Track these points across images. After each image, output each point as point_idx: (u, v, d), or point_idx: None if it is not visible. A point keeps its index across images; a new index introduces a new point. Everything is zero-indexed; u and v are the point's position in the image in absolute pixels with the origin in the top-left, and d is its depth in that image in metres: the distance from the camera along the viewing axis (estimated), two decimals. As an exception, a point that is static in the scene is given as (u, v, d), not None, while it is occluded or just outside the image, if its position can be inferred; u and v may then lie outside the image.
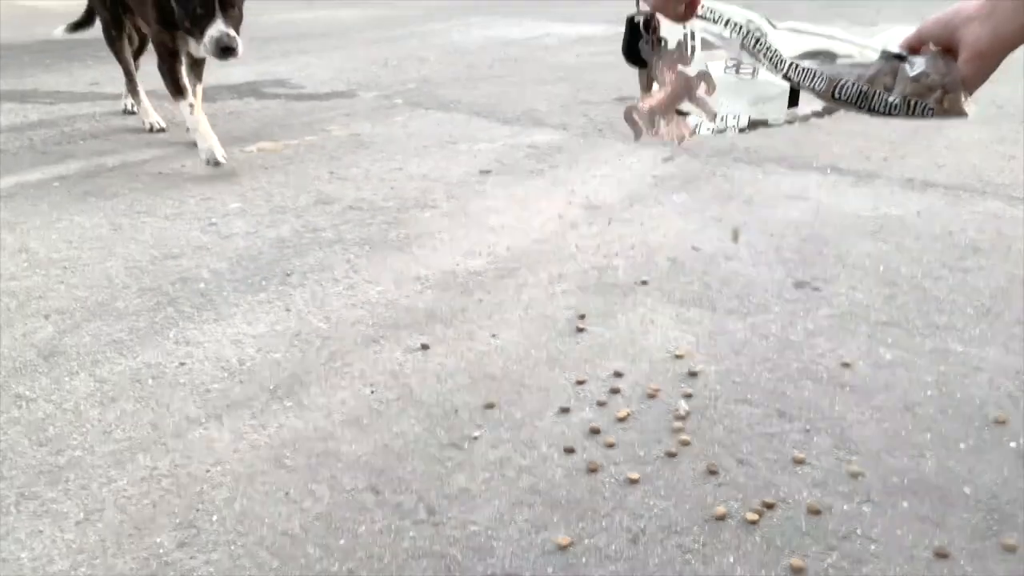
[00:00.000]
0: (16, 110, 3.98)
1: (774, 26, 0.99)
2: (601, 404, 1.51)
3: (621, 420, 1.46)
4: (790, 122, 1.05)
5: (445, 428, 1.45)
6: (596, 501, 1.25)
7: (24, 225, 2.45)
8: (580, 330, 1.79)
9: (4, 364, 1.68)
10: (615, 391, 1.55)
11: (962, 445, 1.37)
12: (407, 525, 1.21)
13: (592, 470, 1.32)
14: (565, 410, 1.49)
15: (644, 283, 2.02)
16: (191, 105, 3.08)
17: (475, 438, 1.42)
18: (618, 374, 1.61)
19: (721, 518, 1.21)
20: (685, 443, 1.39)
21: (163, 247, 2.29)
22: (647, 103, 1.04)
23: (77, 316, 1.89)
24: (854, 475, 1.30)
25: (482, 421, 1.47)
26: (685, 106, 1.06)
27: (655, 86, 1.05)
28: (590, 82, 4.52)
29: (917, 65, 0.90)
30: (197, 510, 1.25)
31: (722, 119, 1.04)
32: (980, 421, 1.43)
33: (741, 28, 0.98)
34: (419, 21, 7.26)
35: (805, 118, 1.04)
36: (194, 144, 3.28)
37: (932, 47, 0.91)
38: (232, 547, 1.17)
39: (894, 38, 0.95)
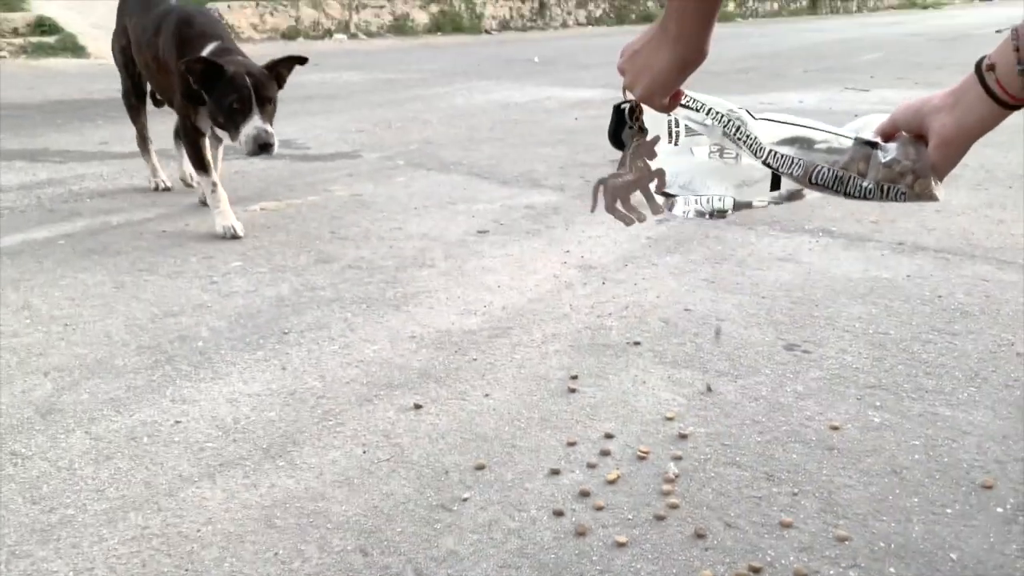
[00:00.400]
0: (26, 168, 4.07)
1: (753, 117, 1.05)
2: (591, 466, 1.52)
3: (611, 483, 1.47)
4: (775, 203, 1.10)
5: (435, 489, 1.46)
6: (584, 565, 1.26)
7: (29, 282, 2.50)
8: (572, 390, 1.81)
9: (2, 421, 1.70)
10: (605, 453, 1.56)
11: (949, 510, 1.38)
12: (394, 587, 1.21)
13: (580, 533, 1.33)
14: (555, 472, 1.50)
15: (637, 344, 2.05)
16: (215, 184, 3.00)
17: (465, 500, 1.43)
18: (609, 436, 1.62)
19: (708, 582, 1.21)
20: (674, 506, 1.39)
21: (163, 305, 2.33)
22: (615, 182, 1.11)
23: (76, 374, 1.91)
24: (841, 539, 1.30)
25: (472, 482, 1.48)
26: (638, 196, 1.11)
27: (626, 168, 1.11)
28: (588, 145, 4.62)
29: (889, 152, 0.96)
30: (186, 570, 1.26)
31: (708, 200, 1.11)
32: (967, 486, 1.44)
33: (722, 117, 1.04)
34: (423, 85, 7.45)
35: (787, 198, 1.09)
36: (199, 204, 3.37)
37: (904, 134, 0.96)
38: (219, 608, 1.17)
39: (868, 125, 1.01)
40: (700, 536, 1.32)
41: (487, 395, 1.80)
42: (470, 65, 9.04)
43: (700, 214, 1.12)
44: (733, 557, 1.27)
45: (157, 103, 3.56)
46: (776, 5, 20.87)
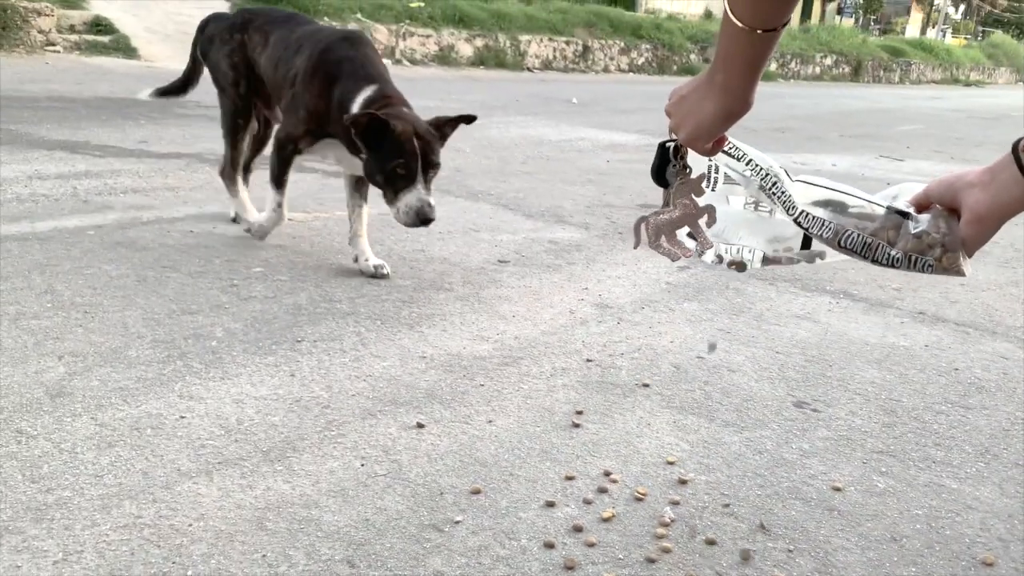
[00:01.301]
0: (66, 159, 4.17)
1: (790, 177, 1.07)
2: (587, 502, 1.51)
3: (605, 520, 1.45)
4: (808, 261, 1.10)
5: (428, 509, 1.45)
6: (569, 599, 1.24)
7: (55, 268, 2.54)
8: (576, 425, 1.81)
9: (11, 399, 1.72)
10: (603, 490, 1.55)
11: (947, 583, 1.35)
12: (377, 602, 1.21)
13: (569, 567, 1.32)
14: (551, 504, 1.49)
15: (646, 386, 2.04)
16: (279, 204, 2.84)
17: (457, 522, 1.42)
18: (608, 474, 1.61)
19: (693, 630, 1.19)
20: (666, 550, 1.38)
21: (182, 302, 2.36)
22: (658, 219, 1.14)
23: (89, 360, 1.94)
24: (833, 602, 1.28)
25: (466, 506, 1.47)
26: (686, 232, 1.14)
27: (670, 206, 1.14)
28: (616, 187, 4.65)
29: (920, 223, 0.97)
30: (173, 563, 1.26)
31: (738, 250, 1.12)
32: (967, 561, 1.41)
33: (761, 171, 1.06)
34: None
35: (814, 258, 1.09)
36: (232, 217, 3.20)
37: (937, 207, 0.97)
38: (201, 604, 1.17)
39: (903, 193, 1.01)
40: (690, 583, 1.30)
41: (491, 421, 1.80)
42: (509, 100, 9.15)
43: (725, 262, 1.13)
44: (721, 608, 1.25)
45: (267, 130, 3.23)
46: (818, 69, 20.99)
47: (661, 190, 1.15)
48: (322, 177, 4.29)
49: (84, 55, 9.30)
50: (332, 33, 2.76)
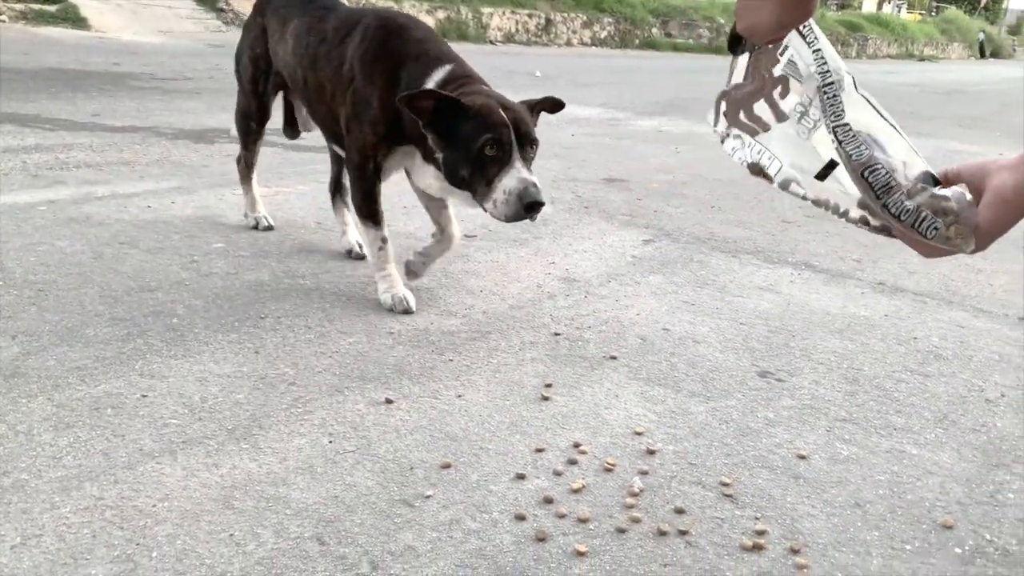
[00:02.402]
0: (15, 132, 4.03)
1: (857, 88, 0.99)
2: (557, 474, 1.51)
3: (575, 491, 1.46)
4: (809, 201, 1.03)
5: (399, 484, 1.44)
6: (540, 571, 1.25)
7: (5, 245, 2.46)
8: (545, 398, 1.81)
9: (-37, 380, 1.67)
10: (572, 462, 1.56)
11: (908, 547, 1.38)
12: (348, 578, 1.20)
13: (540, 539, 1.32)
14: (521, 476, 1.49)
15: (613, 358, 2.04)
16: (384, 241, 2.27)
17: (427, 497, 1.41)
18: (577, 445, 1.61)
19: (664, 598, 1.21)
20: (636, 520, 1.39)
21: (141, 279, 2.30)
22: (739, 92, 1.05)
23: (44, 339, 1.88)
24: (800, 567, 1.30)
25: (437, 480, 1.46)
26: (762, 104, 1.03)
27: (748, 79, 1.05)
28: (581, 161, 4.64)
29: (944, 191, 0.94)
30: (137, 544, 1.23)
31: (759, 152, 1.04)
32: (928, 524, 1.45)
33: (827, 70, 0.98)
34: (423, 86, 7.44)
35: (816, 204, 1.02)
36: (348, 255, 2.67)
37: (965, 188, 0.94)
38: (168, 585, 1.15)
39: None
40: (660, 552, 1.31)
41: (460, 396, 1.79)
42: (471, 73, 9.05)
43: (744, 162, 1.06)
44: None
45: (293, 134, 2.81)
46: (778, 43, 21.07)
47: (728, 65, 1.07)
48: (282, 151, 4.21)
49: (31, 25, 8.97)
50: (384, 13, 2.27)
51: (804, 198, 1.02)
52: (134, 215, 2.90)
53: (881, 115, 0.99)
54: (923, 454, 1.69)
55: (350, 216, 2.71)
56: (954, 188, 0.95)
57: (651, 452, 1.61)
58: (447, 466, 1.51)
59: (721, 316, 2.39)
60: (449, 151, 1.97)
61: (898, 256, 3.12)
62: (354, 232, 2.70)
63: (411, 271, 2.42)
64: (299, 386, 1.77)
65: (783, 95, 1.01)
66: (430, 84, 2.04)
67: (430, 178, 2.12)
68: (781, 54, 1.00)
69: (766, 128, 1.03)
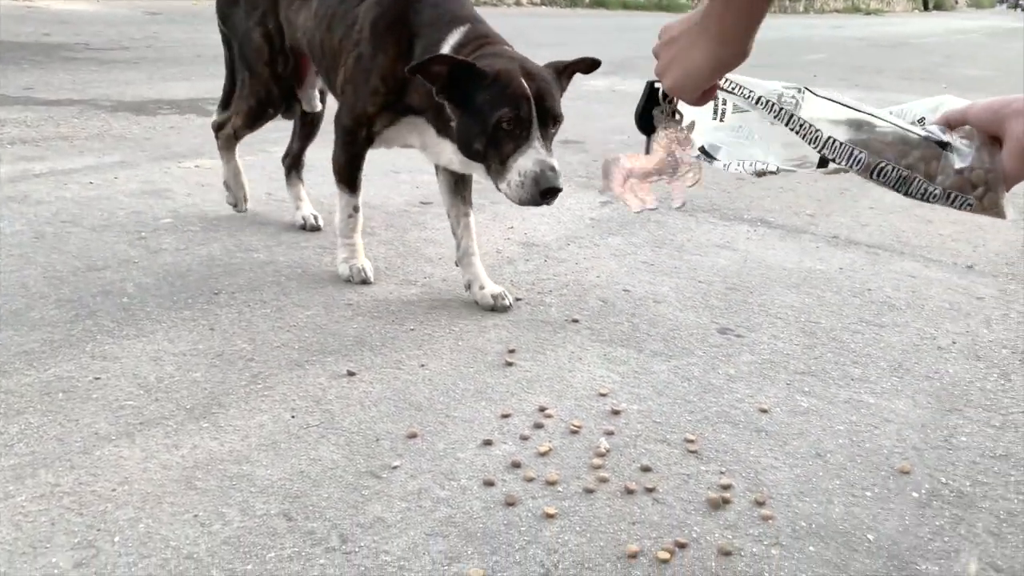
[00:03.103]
0: (-58, 109, 3.85)
1: (814, 93, 0.95)
2: (524, 438, 1.51)
3: (542, 455, 1.46)
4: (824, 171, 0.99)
5: (365, 456, 1.43)
6: (512, 535, 1.25)
7: (-61, 227, 2.35)
8: (509, 364, 1.80)
9: (-98, 370, 1.60)
10: (539, 426, 1.56)
11: (868, 493, 1.41)
12: (318, 552, 1.19)
13: (510, 504, 1.32)
14: (488, 442, 1.49)
15: (575, 321, 2.05)
16: (356, 209, 2.18)
17: (395, 468, 1.40)
18: (543, 409, 1.61)
19: (634, 556, 1.22)
20: (603, 480, 1.40)
21: (87, 258, 2.23)
22: (632, 164, 1.02)
23: (-13, 324, 1.81)
24: (765, 518, 1.33)
25: (403, 451, 1.45)
26: (657, 181, 1.02)
27: (650, 152, 1.03)
28: (536, 123, 4.59)
29: (964, 157, 0.88)
30: (98, 530, 1.20)
31: (751, 164, 1.01)
32: (886, 470, 1.49)
33: (770, 104, 0.95)
34: (371, 51, 7.28)
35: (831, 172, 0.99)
36: (301, 228, 2.57)
37: (977, 136, 0.89)
38: (132, 569, 1.13)
39: (945, 105, 0.92)
40: (628, 511, 1.33)
41: (423, 365, 1.78)
42: (420, 36, 8.89)
43: (743, 172, 1.03)
44: (660, 532, 1.28)
45: (288, 113, 2.56)
46: (726, 0, 21.09)
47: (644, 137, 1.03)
48: (229, 121, 4.09)
49: (-47, -5, 8.53)
50: None
51: (812, 169, 0.98)
52: (75, 192, 2.79)
53: (851, 107, 0.94)
54: (880, 403, 1.73)
55: (304, 191, 2.65)
56: (965, 145, 0.89)
57: (616, 412, 1.62)
58: (413, 436, 1.50)
59: (680, 275, 2.41)
60: (463, 120, 1.81)
61: (851, 209, 3.17)
62: (308, 206, 2.65)
63: (471, 280, 2.15)
64: (258, 362, 1.74)
65: (693, 183, 1.02)
66: (445, 49, 1.89)
67: (449, 153, 1.95)
68: (715, 114, 0.98)
69: (650, 207, 1.03)
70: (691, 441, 1.53)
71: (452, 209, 2.19)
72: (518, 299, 2.16)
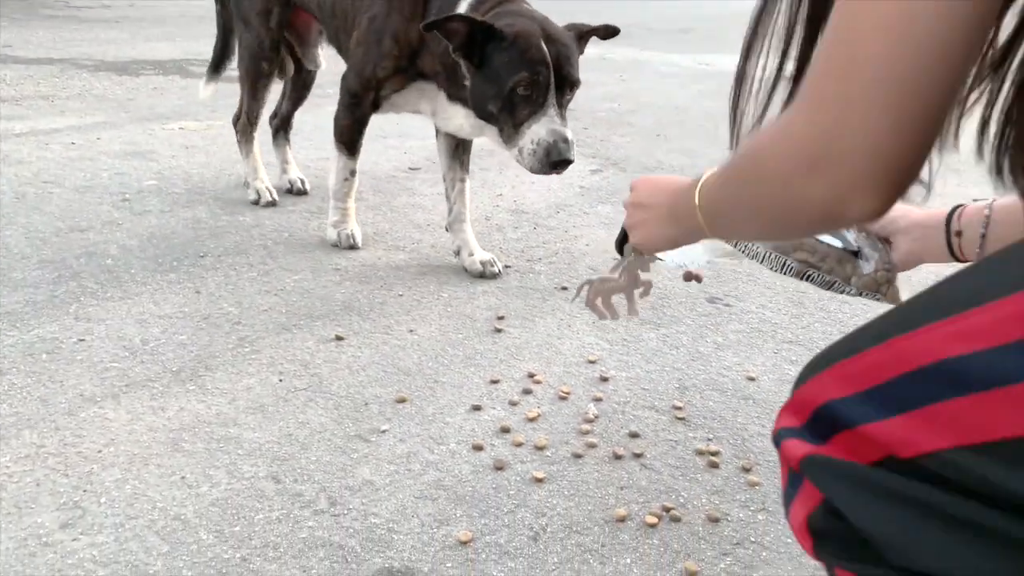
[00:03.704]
0: (-82, 66, 3.76)
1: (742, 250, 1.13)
2: (513, 404, 1.51)
3: (531, 420, 1.46)
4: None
5: (353, 420, 1.43)
6: (500, 498, 1.25)
7: (-83, 186, 2.31)
8: (498, 331, 1.80)
9: None
10: (527, 392, 1.56)
11: (853, 460, 1.43)
12: (306, 515, 1.18)
13: (499, 468, 1.32)
14: (477, 408, 1.49)
15: (564, 289, 2.04)
16: (352, 173, 2.15)
17: (383, 431, 1.40)
18: (531, 375, 1.61)
19: (622, 520, 1.23)
20: (592, 445, 1.40)
21: (70, 219, 2.19)
22: (603, 285, 1.20)
23: (-32, 284, 1.78)
24: (752, 484, 1.34)
25: (392, 415, 1.45)
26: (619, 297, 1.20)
27: (616, 274, 1.20)
28: (525, 90, 4.55)
29: (870, 261, 1.06)
30: (84, 491, 1.19)
31: (694, 263, 1.20)
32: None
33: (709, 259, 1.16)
34: (358, 15, 7.17)
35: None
36: (289, 192, 2.54)
37: (873, 235, 1.06)
38: (119, 530, 1.12)
39: None
40: (616, 475, 1.33)
41: (412, 331, 1.77)
42: None
43: (685, 265, 1.22)
44: (648, 497, 1.29)
45: (282, 74, 2.52)
46: (718, -30, 20.93)
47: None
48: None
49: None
50: None
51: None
52: (57, 152, 2.74)
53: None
54: (866, 372, 1.74)
55: (291, 154, 2.61)
56: (870, 249, 1.07)
57: (604, 379, 1.62)
58: (402, 400, 1.49)
59: (669, 244, 2.40)
60: (478, 81, 1.76)
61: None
62: (295, 170, 2.61)
63: (461, 246, 2.15)
64: (244, 325, 1.72)
65: (643, 295, 1.19)
66: (461, 8, 1.83)
67: (460, 118, 1.92)
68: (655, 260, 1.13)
69: (615, 317, 1.20)
70: (679, 408, 1.54)
71: (449, 173, 2.17)
72: (507, 266, 2.15)
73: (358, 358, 1.63)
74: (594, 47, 7.04)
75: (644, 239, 0.95)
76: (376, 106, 2.05)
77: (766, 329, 1.90)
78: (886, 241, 1.05)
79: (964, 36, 0.49)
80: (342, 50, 2.17)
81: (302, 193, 2.56)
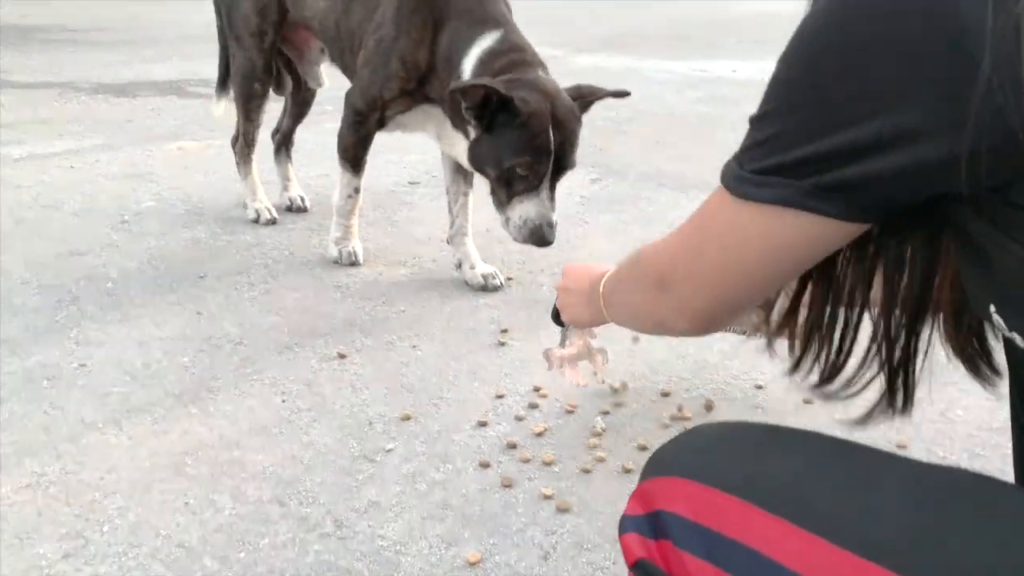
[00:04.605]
0: (-84, 93, 3.76)
1: None
2: (519, 419, 1.50)
3: (538, 435, 1.45)
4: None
5: (358, 440, 1.41)
6: (509, 517, 1.24)
7: (-85, 213, 2.30)
8: (502, 344, 1.78)
9: None
10: (533, 406, 1.54)
11: (866, 468, 1.41)
12: (312, 538, 1.17)
13: (507, 485, 1.30)
14: (483, 424, 1.47)
15: (567, 300, 2.02)
16: (356, 190, 2.12)
17: (389, 451, 1.38)
18: (537, 389, 1.60)
19: (633, 535, 1.20)
20: (600, 460, 1.38)
21: (69, 243, 2.18)
22: (560, 353, 1.32)
23: (-33, 311, 1.77)
24: (763, 495, 1.32)
25: (397, 433, 1.43)
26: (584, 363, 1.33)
27: (568, 344, 1.33)
28: (523, 101, 4.55)
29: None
30: (87, 520, 1.18)
31: None
32: (884, 445, 1.46)
33: None
34: (354, 31, 7.19)
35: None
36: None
37: None
38: (122, 559, 1.10)
39: None
40: (626, 490, 1.31)
41: (415, 346, 1.75)
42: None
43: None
44: (658, 511, 1.27)
45: (280, 90, 2.52)
46: (712, -24, 21.02)
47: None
48: (209, 102, 4.01)
49: (-76, -23, 8.34)
50: None
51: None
52: (56, 176, 2.74)
53: None
54: (875, 377, 1.72)
55: (292, 171, 2.60)
56: None
57: (611, 391, 1.60)
58: (407, 418, 1.48)
59: (672, 252, 2.38)
60: (483, 141, 1.77)
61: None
62: (296, 187, 2.60)
63: (462, 258, 2.15)
64: (246, 346, 1.71)
65: (604, 362, 1.33)
66: (474, 53, 1.83)
67: (463, 146, 1.90)
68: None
69: (584, 383, 1.34)
70: (688, 419, 1.52)
71: (452, 186, 2.16)
72: (509, 279, 2.14)
73: (361, 376, 1.62)
74: (590, 56, 7.01)
75: (571, 318, 1.14)
76: (382, 124, 2.04)
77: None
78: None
79: (778, 254, 0.63)
80: (347, 69, 2.16)
81: (302, 210, 2.55)
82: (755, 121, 0.63)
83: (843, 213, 0.60)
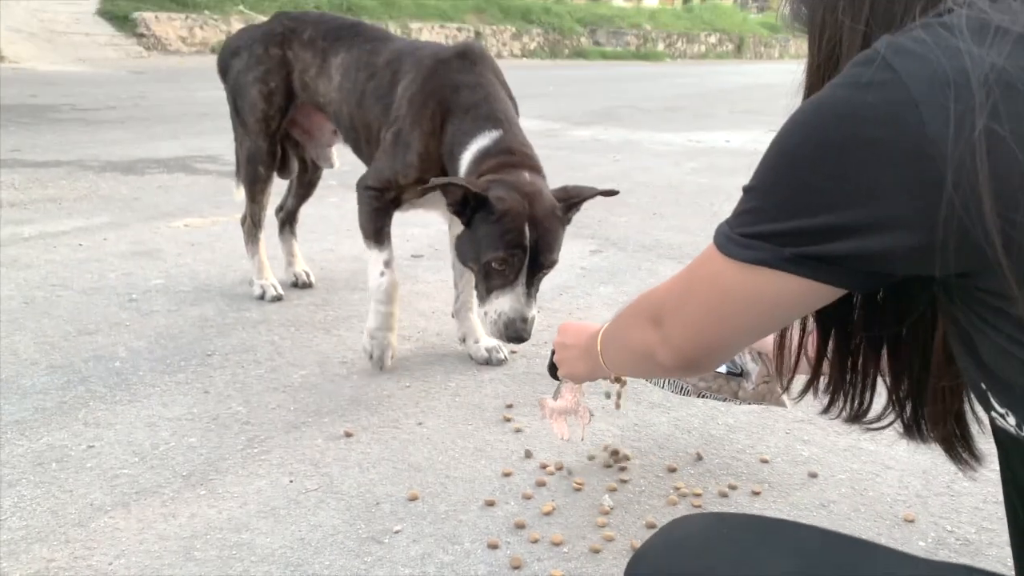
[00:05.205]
0: (-71, 173, 3.84)
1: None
2: (527, 497, 1.50)
3: (546, 514, 1.45)
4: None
5: (366, 521, 1.41)
6: (519, 599, 1.23)
7: (-73, 294, 2.33)
8: (508, 420, 1.79)
9: None
10: (541, 484, 1.54)
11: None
12: (322, 624, 1.16)
13: (516, 567, 1.30)
14: (490, 503, 1.47)
15: (571, 374, 2.04)
16: (387, 264, 2.06)
17: (396, 532, 1.38)
18: (544, 466, 1.60)
19: (644, 617, 1.20)
20: (609, 538, 1.38)
21: (78, 322, 2.21)
22: (552, 404, 1.48)
23: (-23, 393, 1.79)
24: (773, 573, 1.31)
25: (404, 514, 1.43)
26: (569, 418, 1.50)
27: (559, 397, 1.47)
28: (522, 174, 4.64)
29: (750, 378, 1.43)
30: (95, 608, 1.17)
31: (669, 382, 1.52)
32: (891, 520, 1.48)
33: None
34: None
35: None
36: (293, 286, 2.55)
37: (757, 352, 1.47)
38: (131, 649, 1.10)
39: None
40: (636, 570, 1.31)
41: (420, 423, 1.76)
42: (404, 90, 9.01)
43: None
44: (668, 591, 1.26)
45: (285, 174, 2.55)
46: (703, 48, 21.64)
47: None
48: (216, 178, 4.11)
49: (-62, 58, 8.59)
50: (441, 50, 2.06)
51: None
52: (65, 255, 2.79)
53: None
54: (879, 449, 1.73)
55: (297, 247, 2.65)
56: (751, 363, 1.45)
57: (618, 468, 1.61)
58: (414, 498, 1.48)
59: (673, 324, 2.41)
60: (464, 236, 1.83)
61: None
62: (301, 263, 2.64)
63: (466, 333, 2.19)
64: (254, 425, 1.72)
65: (588, 420, 1.49)
66: (471, 150, 1.90)
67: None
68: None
69: (566, 438, 1.50)
70: (696, 495, 1.52)
71: (458, 263, 2.16)
72: (513, 352, 2.16)
73: (368, 455, 1.62)
74: (587, 129, 7.18)
75: (568, 372, 1.22)
76: (397, 203, 2.07)
77: (776, 409, 1.89)
78: (768, 355, 1.27)
79: (758, 307, 0.71)
80: (361, 155, 2.22)
81: (307, 286, 2.59)
82: (746, 191, 0.70)
83: (821, 278, 0.66)
